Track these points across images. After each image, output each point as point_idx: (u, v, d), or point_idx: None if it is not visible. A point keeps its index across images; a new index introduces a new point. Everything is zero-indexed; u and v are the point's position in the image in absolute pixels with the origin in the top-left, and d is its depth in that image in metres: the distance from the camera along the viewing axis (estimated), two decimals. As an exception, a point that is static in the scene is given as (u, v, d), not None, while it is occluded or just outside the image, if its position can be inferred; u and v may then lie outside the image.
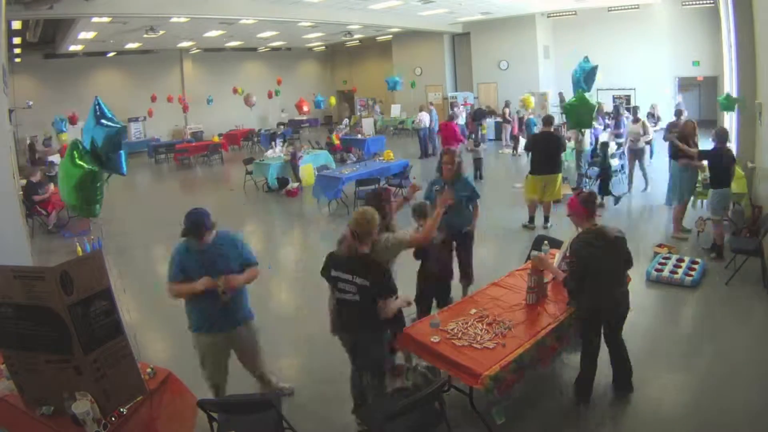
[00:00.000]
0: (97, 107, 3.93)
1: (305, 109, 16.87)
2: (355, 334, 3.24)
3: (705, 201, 7.28)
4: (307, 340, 4.94)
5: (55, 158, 12.88)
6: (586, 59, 8.42)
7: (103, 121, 3.92)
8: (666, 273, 5.43)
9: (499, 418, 3.00)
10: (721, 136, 5.94)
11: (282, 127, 19.25)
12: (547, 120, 7.72)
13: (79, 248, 7.29)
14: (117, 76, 20.27)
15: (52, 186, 9.41)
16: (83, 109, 16.58)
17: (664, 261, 5.69)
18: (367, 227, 3.09)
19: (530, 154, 7.75)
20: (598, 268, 3.40)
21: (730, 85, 8.85)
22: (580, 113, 8.06)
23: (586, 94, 8.14)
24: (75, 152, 3.89)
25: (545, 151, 7.42)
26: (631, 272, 3.90)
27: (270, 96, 20.70)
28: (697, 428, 3.32)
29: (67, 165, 3.95)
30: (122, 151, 4.05)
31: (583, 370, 3.58)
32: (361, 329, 3.17)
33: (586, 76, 8.20)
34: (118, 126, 4.08)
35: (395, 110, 21.53)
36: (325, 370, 4.31)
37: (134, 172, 15.64)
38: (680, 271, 5.44)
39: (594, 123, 9.62)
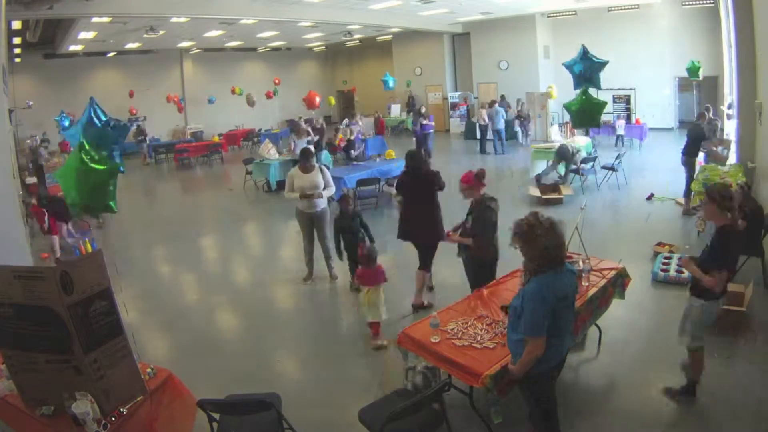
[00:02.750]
0: (93, 109, 4.00)
1: (317, 101, 15.75)
2: None
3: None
4: (308, 339, 4.95)
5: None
6: (587, 51, 8.17)
7: (111, 122, 4.02)
8: (672, 273, 5.42)
9: (497, 418, 2.99)
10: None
11: (292, 122, 18.93)
12: None
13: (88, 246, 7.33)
14: (117, 76, 20.26)
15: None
16: (83, 109, 16.67)
17: (666, 261, 5.68)
18: None
19: None
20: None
21: (730, 85, 8.85)
22: (585, 112, 7.89)
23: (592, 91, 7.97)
24: (84, 155, 3.94)
25: None
26: (633, 272, 3.91)
27: (269, 96, 20.60)
28: (697, 428, 3.32)
29: (78, 166, 3.99)
30: (117, 149, 4.13)
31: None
32: None
33: (590, 71, 8.00)
34: (128, 124, 4.21)
35: (395, 110, 21.54)
36: (325, 370, 4.31)
37: (134, 172, 15.66)
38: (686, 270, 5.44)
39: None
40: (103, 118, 4.23)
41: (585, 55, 8.16)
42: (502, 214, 4.38)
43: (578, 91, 8.27)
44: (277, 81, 21.32)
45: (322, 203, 5.92)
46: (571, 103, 8.42)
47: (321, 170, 5.95)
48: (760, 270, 5.22)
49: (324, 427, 3.57)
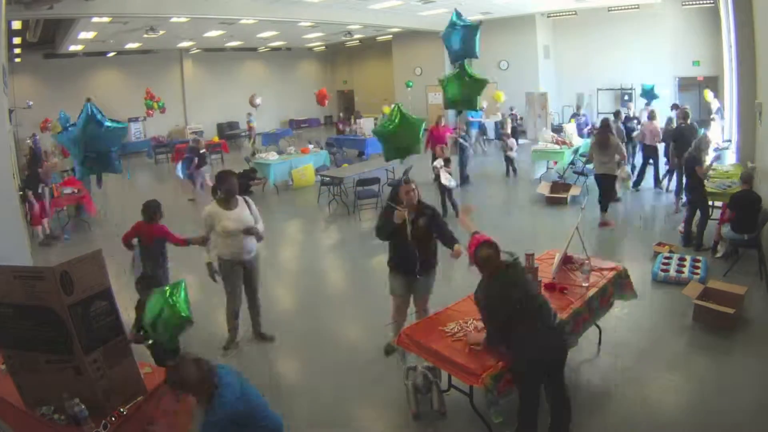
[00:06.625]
0: (90, 111, 3.99)
1: (329, 97, 15.29)
2: None
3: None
4: (306, 337, 4.95)
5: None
6: (459, 15, 6.83)
7: (107, 123, 4.00)
8: (672, 273, 5.43)
9: (497, 417, 3.00)
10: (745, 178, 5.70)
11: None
12: None
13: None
14: (117, 76, 20.24)
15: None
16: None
17: (666, 261, 5.68)
18: None
19: None
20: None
21: (730, 85, 8.84)
22: (463, 92, 6.78)
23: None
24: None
25: None
26: (634, 272, 3.86)
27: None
28: (696, 427, 3.32)
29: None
30: (114, 150, 4.12)
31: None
32: None
33: (465, 38, 6.68)
34: (124, 125, 4.16)
35: (395, 110, 21.50)
36: (324, 368, 4.31)
37: (134, 172, 15.62)
38: (686, 270, 5.46)
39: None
40: (98, 118, 4.18)
41: (457, 20, 6.87)
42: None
43: (456, 65, 7.11)
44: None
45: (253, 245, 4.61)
46: (447, 80, 7.16)
47: (246, 203, 4.64)
48: (759, 269, 5.23)
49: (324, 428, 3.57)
